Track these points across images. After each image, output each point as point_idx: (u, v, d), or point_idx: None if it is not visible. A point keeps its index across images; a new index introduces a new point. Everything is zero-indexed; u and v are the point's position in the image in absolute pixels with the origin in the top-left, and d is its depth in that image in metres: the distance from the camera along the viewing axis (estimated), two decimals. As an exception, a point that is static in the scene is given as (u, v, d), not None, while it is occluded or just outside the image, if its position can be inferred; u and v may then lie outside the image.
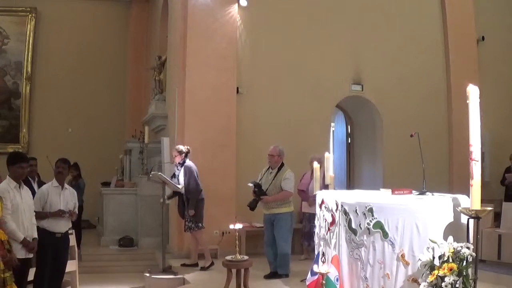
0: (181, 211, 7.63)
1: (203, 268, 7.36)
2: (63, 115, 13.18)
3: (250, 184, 6.76)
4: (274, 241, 6.71)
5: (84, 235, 9.72)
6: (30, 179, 6.33)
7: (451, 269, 3.43)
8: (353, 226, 4.43)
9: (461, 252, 3.48)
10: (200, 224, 7.48)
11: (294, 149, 8.11)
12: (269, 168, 6.87)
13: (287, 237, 6.69)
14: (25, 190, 5.03)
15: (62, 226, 5.46)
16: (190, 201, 7.40)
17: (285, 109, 9.13)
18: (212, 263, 7.39)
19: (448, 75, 10.34)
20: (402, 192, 4.54)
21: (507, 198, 9.17)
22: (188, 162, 7.59)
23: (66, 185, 5.61)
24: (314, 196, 7.10)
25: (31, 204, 5.04)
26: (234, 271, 5.79)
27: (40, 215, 5.20)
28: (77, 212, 5.75)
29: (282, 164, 6.82)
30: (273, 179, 6.70)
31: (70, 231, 6.69)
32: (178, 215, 8.44)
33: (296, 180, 7.47)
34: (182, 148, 7.69)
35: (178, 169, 7.64)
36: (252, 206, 6.76)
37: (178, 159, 7.63)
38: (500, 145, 10.31)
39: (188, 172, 7.46)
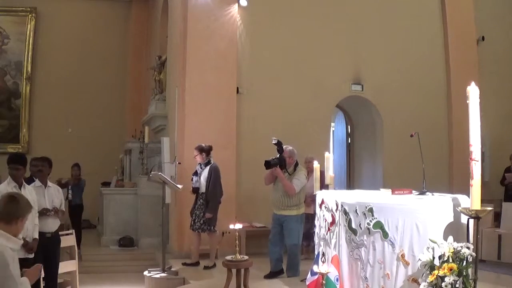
0: (192, 210, 7.52)
1: (206, 267, 7.36)
2: (63, 115, 13.18)
3: (274, 138, 6.51)
4: (279, 241, 6.67)
5: (84, 235, 9.72)
6: (35, 179, 6.33)
7: (451, 269, 3.43)
8: (353, 226, 4.43)
9: (461, 252, 3.48)
10: (212, 227, 7.42)
11: (294, 149, 8.12)
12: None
13: (297, 240, 6.62)
14: (28, 190, 5.00)
15: (50, 225, 5.41)
16: (211, 203, 7.29)
17: (285, 109, 9.13)
18: (215, 265, 7.39)
19: (448, 75, 10.34)
20: (402, 192, 4.54)
21: (507, 198, 9.17)
22: (214, 163, 7.44)
23: (49, 183, 5.59)
24: (311, 196, 7.11)
25: (33, 204, 5.02)
26: (234, 271, 5.79)
27: None
28: (63, 210, 5.73)
29: (297, 164, 6.73)
30: (290, 180, 6.59)
31: (70, 231, 6.70)
32: (178, 215, 8.47)
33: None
34: (203, 145, 7.48)
35: (201, 168, 7.46)
36: (269, 164, 6.41)
37: (199, 158, 7.44)
38: (500, 145, 10.31)
39: (214, 174, 7.31)
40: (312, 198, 7.24)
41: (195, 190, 7.49)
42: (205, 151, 7.46)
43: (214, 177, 7.30)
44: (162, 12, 11.35)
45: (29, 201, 3.24)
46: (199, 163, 7.52)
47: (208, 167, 7.40)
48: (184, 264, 7.52)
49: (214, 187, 7.30)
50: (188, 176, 8.36)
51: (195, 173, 7.56)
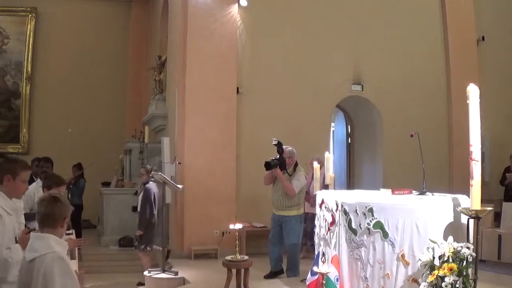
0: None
1: (140, 284, 7.36)
2: (63, 115, 13.18)
3: (274, 139, 6.53)
4: (279, 240, 6.68)
5: (84, 235, 9.69)
6: (35, 179, 6.33)
7: (451, 269, 3.44)
8: (353, 226, 4.43)
9: (461, 252, 3.48)
10: (143, 246, 7.43)
11: (294, 149, 8.12)
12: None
13: (297, 240, 6.63)
14: None
15: None
16: (140, 222, 7.44)
17: (285, 109, 9.13)
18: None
19: (448, 75, 10.34)
20: (402, 192, 4.54)
21: (507, 198, 9.17)
22: (150, 184, 7.59)
23: None
24: (315, 196, 7.10)
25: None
26: (234, 271, 5.79)
27: (28, 217, 5.15)
28: None
29: (296, 164, 6.73)
30: (290, 181, 6.58)
31: (70, 231, 6.70)
32: (177, 215, 8.47)
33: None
34: (148, 166, 7.87)
35: (141, 188, 7.73)
36: (270, 165, 6.43)
37: (144, 178, 7.70)
38: (500, 145, 10.32)
39: (145, 194, 7.50)
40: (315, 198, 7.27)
41: (135, 209, 7.78)
42: (150, 172, 7.69)
43: (146, 198, 7.46)
44: (162, 12, 11.35)
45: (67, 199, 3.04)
46: (141, 184, 7.78)
47: (144, 188, 7.61)
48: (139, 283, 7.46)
49: (144, 206, 7.44)
50: (188, 176, 8.38)
51: (136, 193, 7.91)
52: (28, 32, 13.21)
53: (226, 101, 8.68)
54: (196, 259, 8.10)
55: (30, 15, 13.27)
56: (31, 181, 5.91)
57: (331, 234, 4.93)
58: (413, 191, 4.60)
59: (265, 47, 9.17)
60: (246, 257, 5.87)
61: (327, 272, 4.53)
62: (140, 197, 7.63)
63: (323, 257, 5.01)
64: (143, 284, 7.22)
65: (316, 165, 6.36)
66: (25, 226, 4.61)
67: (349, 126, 10.89)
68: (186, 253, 8.24)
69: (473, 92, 3.53)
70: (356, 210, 4.41)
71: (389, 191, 4.63)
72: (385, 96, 9.93)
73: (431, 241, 3.67)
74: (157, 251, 7.50)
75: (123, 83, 13.68)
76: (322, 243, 5.29)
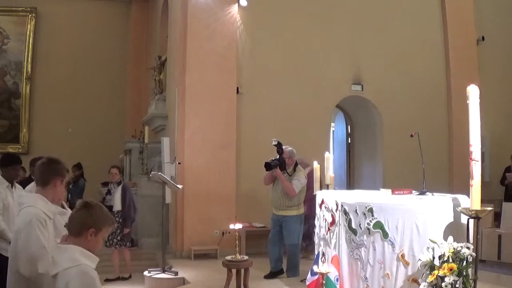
0: None
1: (124, 278, 7.62)
2: (63, 115, 13.18)
3: (274, 140, 6.53)
4: (278, 240, 6.68)
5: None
6: (32, 178, 6.32)
7: (451, 269, 3.43)
8: (353, 226, 4.43)
9: (461, 252, 3.48)
10: (129, 243, 7.72)
11: (294, 149, 8.11)
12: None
13: (297, 240, 6.61)
14: (19, 190, 5.00)
15: None
16: (129, 219, 7.64)
17: (285, 109, 9.13)
18: (130, 276, 7.71)
19: (448, 75, 10.34)
20: (402, 192, 4.54)
21: (507, 198, 9.17)
22: (125, 182, 7.86)
23: None
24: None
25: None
26: (234, 271, 5.79)
27: None
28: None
29: (296, 164, 6.73)
30: (290, 181, 6.58)
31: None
32: (177, 215, 8.47)
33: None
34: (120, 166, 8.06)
35: (114, 187, 7.85)
36: (270, 166, 6.44)
37: (117, 177, 7.87)
38: (500, 145, 10.32)
39: (128, 193, 7.72)
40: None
41: (108, 209, 7.77)
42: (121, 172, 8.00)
43: (129, 196, 7.71)
44: (162, 12, 11.35)
45: (109, 213, 2.74)
46: (112, 183, 7.95)
47: (120, 187, 7.76)
48: (106, 280, 7.48)
49: (130, 204, 7.68)
50: (188, 176, 8.37)
51: (109, 192, 8.02)
52: (28, 32, 13.21)
53: (226, 101, 8.68)
54: (196, 259, 8.10)
55: (30, 15, 13.27)
56: (29, 181, 5.91)
57: (331, 234, 4.93)
58: (413, 191, 4.60)
59: (265, 47, 9.17)
60: (246, 257, 5.87)
61: (327, 272, 4.53)
62: (116, 196, 7.74)
63: (323, 257, 5.01)
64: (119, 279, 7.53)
65: (316, 165, 6.36)
66: None
67: (349, 126, 10.89)
68: (186, 253, 8.24)
69: (473, 92, 3.53)
70: (356, 210, 4.41)
71: (389, 191, 4.63)
72: (385, 96, 9.93)
73: (431, 241, 3.67)
74: (158, 251, 7.50)
75: (123, 83, 13.69)
76: (322, 243, 5.29)
